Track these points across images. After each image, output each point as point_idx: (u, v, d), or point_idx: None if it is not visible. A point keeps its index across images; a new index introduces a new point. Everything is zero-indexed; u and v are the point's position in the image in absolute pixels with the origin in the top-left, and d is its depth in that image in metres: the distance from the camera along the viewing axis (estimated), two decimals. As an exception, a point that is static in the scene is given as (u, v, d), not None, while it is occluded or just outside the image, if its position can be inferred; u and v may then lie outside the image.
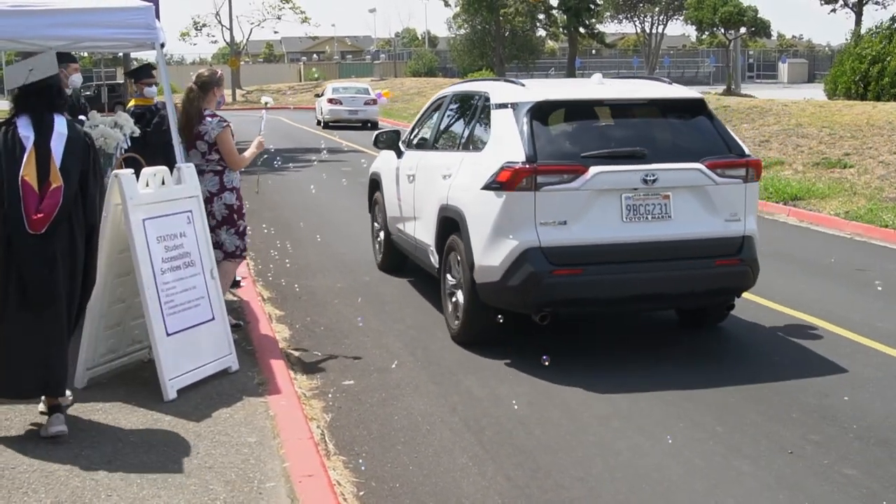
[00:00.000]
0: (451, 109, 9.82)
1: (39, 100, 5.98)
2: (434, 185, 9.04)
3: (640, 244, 7.72)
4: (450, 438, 6.24)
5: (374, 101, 39.50)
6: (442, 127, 9.82)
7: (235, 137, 8.17)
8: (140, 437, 5.92)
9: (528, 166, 7.57)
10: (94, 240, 6.12)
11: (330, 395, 7.05)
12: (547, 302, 7.70)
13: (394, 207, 10.56)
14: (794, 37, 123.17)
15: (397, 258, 10.96)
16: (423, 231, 9.40)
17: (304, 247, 12.65)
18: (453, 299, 8.54)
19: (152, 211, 6.69)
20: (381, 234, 11.25)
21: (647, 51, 67.07)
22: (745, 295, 9.72)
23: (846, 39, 45.15)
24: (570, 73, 62.84)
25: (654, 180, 7.66)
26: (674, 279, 7.83)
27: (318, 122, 40.51)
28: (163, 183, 6.89)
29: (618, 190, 7.67)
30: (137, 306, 6.80)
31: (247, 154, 8.19)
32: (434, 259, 9.06)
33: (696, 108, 8.41)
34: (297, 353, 8.08)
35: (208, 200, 7.91)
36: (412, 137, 10.61)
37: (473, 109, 9.08)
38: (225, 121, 8.10)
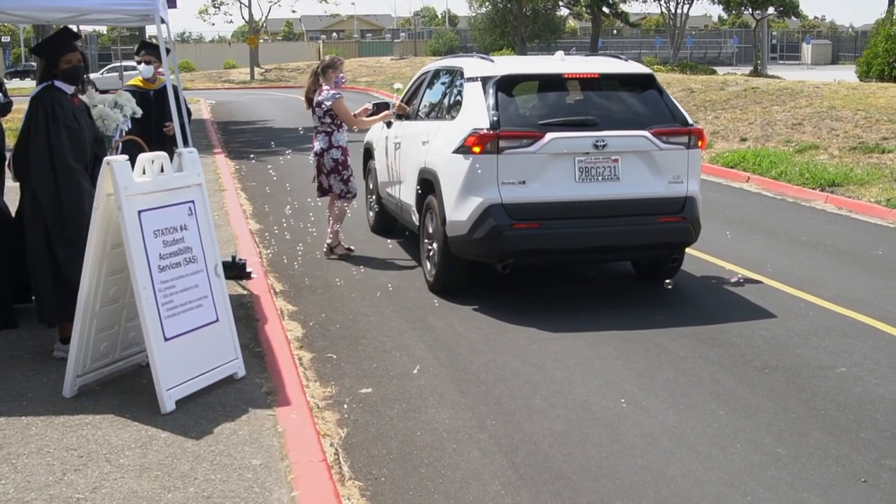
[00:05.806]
0: (432, 83, 10.68)
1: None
2: (415, 150, 9.88)
3: (592, 202, 8.56)
4: (479, 460, 5.56)
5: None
6: (424, 98, 10.68)
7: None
8: (132, 458, 5.26)
9: (491, 132, 8.42)
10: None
11: (345, 406, 6.39)
12: (508, 252, 8.53)
13: (383, 173, 11.50)
14: (816, 17, 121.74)
15: (386, 220, 11.87)
16: (406, 193, 10.22)
17: (321, 234, 11.91)
18: (430, 253, 9.30)
19: (149, 202, 5.99)
20: (373, 198, 12.19)
21: (671, 31, 65.89)
22: (802, 294, 9.06)
23: (882, 17, 43.94)
24: (594, 53, 61.79)
25: (604, 145, 8.50)
26: (621, 233, 8.65)
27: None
28: (161, 170, 6.18)
29: (571, 154, 8.51)
30: (133, 306, 6.12)
31: (367, 118, 10.96)
32: (415, 218, 9.84)
33: (646, 81, 9.18)
34: (309, 356, 7.42)
35: (320, 155, 10.53)
36: None
37: (450, 83, 9.93)
38: (339, 93, 10.51)
